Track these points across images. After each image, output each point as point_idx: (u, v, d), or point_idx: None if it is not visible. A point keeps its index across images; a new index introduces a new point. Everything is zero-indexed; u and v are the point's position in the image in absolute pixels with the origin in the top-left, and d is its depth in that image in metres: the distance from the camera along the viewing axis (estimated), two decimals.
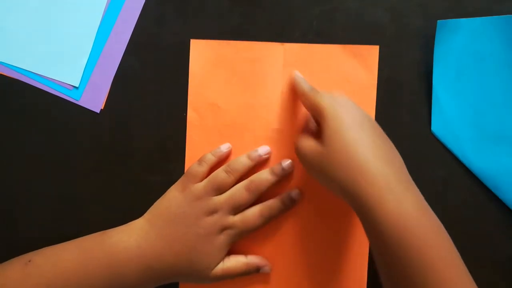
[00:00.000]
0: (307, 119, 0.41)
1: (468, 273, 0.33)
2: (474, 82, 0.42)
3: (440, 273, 0.30)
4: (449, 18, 0.42)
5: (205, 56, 0.43)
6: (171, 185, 0.43)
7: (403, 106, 0.43)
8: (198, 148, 0.43)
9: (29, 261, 0.38)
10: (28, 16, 0.44)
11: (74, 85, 0.44)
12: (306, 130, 0.41)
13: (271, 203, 0.41)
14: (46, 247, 0.40)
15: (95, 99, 0.44)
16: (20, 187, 0.44)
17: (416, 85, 0.43)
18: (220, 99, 0.43)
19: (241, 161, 0.41)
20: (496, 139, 0.42)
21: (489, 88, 0.42)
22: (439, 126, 0.43)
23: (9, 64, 0.44)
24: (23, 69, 0.44)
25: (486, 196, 0.43)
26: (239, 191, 0.40)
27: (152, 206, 0.41)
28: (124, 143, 0.44)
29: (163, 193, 0.42)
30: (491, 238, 0.43)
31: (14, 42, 0.44)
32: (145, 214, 0.41)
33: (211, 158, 0.41)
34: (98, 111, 0.44)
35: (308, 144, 0.36)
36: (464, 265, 0.33)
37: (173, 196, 0.40)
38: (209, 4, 0.44)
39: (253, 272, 0.41)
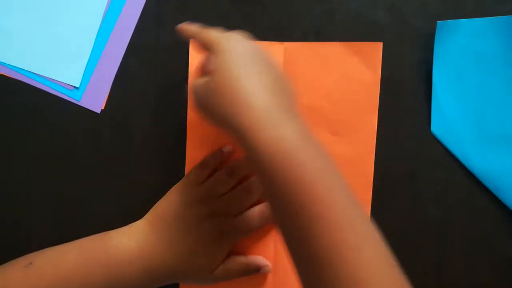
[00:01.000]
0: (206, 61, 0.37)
1: (353, 200, 0.29)
2: (474, 82, 0.42)
3: (322, 199, 0.27)
4: (449, 19, 0.42)
5: (204, 56, 0.43)
6: (172, 185, 0.43)
7: (403, 106, 0.43)
8: (198, 149, 0.43)
9: (30, 263, 0.38)
10: (28, 16, 0.44)
11: (75, 86, 0.44)
12: (202, 70, 0.38)
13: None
14: (46, 248, 0.40)
15: (95, 100, 0.44)
16: (20, 187, 0.44)
17: (416, 86, 0.43)
18: None
19: (242, 163, 0.41)
20: (496, 139, 0.42)
21: (489, 89, 0.42)
22: (439, 126, 0.43)
23: (9, 65, 0.44)
24: (23, 69, 0.44)
25: (486, 197, 0.43)
26: (240, 193, 0.40)
27: (153, 208, 0.41)
28: (125, 143, 0.44)
29: (164, 194, 0.42)
30: (491, 239, 0.43)
31: (15, 43, 0.44)
32: (146, 216, 0.41)
33: (212, 161, 0.41)
34: (98, 111, 0.44)
35: (199, 81, 0.34)
36: (351, 196, 0.29)
37: (173, 198, 0.40)
38: (209, 4, 0.44)
39: (253, 272, 0.41)
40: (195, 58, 0.43)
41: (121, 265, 0.38)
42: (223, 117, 0.31)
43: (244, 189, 0.40)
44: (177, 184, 0.41)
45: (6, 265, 0.39)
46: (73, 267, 0.38)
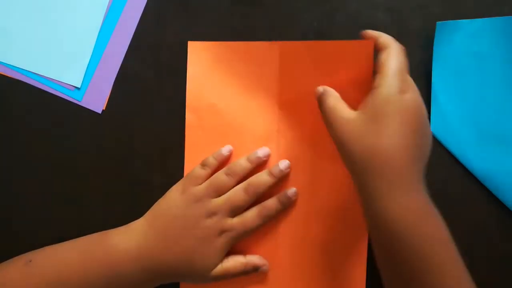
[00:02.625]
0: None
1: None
2: (473, 83, 0.42)
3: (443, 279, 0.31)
4: (448, 19, 0.42)
5: (202, 58, 0.43)
6: (172, 185, 0.43)
7: None
8: (197, 150, 0.43)
9: (30, 261, 0.38)
10: (29, 16, 0.44)
11: (76, 86, 0.44)
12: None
13: (269, 204, 0.41)
14: (46, 247, 0.40)
15: (97, 100, 0.44)
16: (21, 187, 0.44)
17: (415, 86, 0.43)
18: (219, 100, 0.43)
19: (241, 163, 0.41)
20: (495, 140, 0.42)
21: (488, 89, 0.42)
22: (438, 127, 0.43)
23: (10, 65, 0.44)
24: (24, 69, 0.44)
25: (485, 197, 0.43)
26: (237, 193, 0.40)
27: (152, 207, 0.41)
28: (126, 143, 0.44)
29: (164, 194, 0.42)
30: (491, 238, 0.43)
31: (16, 43, 0.44)
32: (145, 215, 0.41)
33: (212, 162, 0.41)
34: (100, 111, 0.44)
35: (347, 111, 0.35)
36: (462, 266, 0.33)
37: (173, 198, 0.41)
38: (209, 5, 0.44)
39: (252, 271, 0.41)
40: (193, 60, 0.43)
41: (120, 264, 0.38)
42: (358, 163, 0.33)
43: (243, 189, 0.40)
44: (177, 183, 0.42)
45: (6, 263, 0.39)
46: (73, 266, 0.38)
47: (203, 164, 0.41)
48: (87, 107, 0.44)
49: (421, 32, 0.43)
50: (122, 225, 0.42)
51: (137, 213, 0.43)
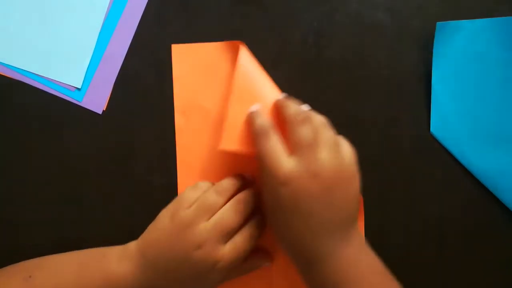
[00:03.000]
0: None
1: None
2: (473, 83, 0.42)
3: None
4: (448, 19, 0.42)
5: (187, 59, 0.43)
6: (173, 186, 0.43)
7: (403, 107, 0.43)
8: (188, 152, 0.43)
9: (30, 276, 0.38)
10: (30, 16, 0.44)
11: (76, 86, 0.44)
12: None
13: (258, 222, 0.39)
14: (46, 258, 0.40)
15: (97, 100, 0.44)
16: (20, 188, 0.44)
17: (415, 86, 0.43)
18: (206, 100, 0.43)
19: (230, 181, 0.39)
20: (495, 140, 0.42)
21: (488, 90, 0.42)
22: (438, 127, 0.43)
23: (11, 65, 0.44)
24: (25, 70, 0.44)
25: (485, 197, 0.43)
26: (227, 214, 0.37)
27: (145, 232, 0.40)
28: (127, 144, 0.44)
29: (164, 193, 0.42)
30: (491, 239, 0.43)
31: (16, 43, 0.44)
32: (138, 240, 0.40)
33: (204, 184, 0.40)
34: (100, 112, 0.44)
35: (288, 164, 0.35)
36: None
37: (162, 226, 0.39)
38: (210, 5, 0.44)
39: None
40: (177, 62, 0.44)
41: None
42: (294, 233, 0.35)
43: (233, 210, 0.38)
44: (167, 206, 0.40)
45: (6, 276, 0.39)
46: (72, 282, 0.38)
47: (194, 187, 0.40)
48: (87, 107, 0.44)
49: (421, 32, 0.43)
50: (122, 226, 0.42)
51: (136, 213, 0.43)
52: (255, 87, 0.39)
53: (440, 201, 0.43)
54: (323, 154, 0.34)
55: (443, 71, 0.42)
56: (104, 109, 0.44)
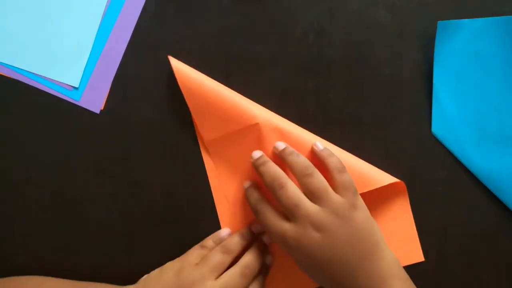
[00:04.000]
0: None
1: None
2: (474, 83, 0.42)
3: None
4: (449, 19, 0.42)
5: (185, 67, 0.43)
6: (171, 186, 0.43)
7: (404, 107, 0.43)
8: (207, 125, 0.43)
9: None
10: (28, 16, 0.44)
11: (74, 86, 0.44)
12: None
13: (260, 282, 0.41)
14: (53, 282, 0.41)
15: (95, 100, 0.44)
16: (19, 187, 0.44)
17: (416, 86, 0.43)
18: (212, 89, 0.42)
19: (236, 241, 0.41)
20: (496, 140, 0.42)
21: (490, 89, 0.42)
22: (439, 127, 0.43)
23: (9, 65, 0.44)
24: (23, 69, 0.44)
25: (486, 197, 0.43)
26: (234, 279, 0.38)
27: (146, 279, 0.40)
28: (124, 143, 0.44)
29: (164, 193, 0.42)
30: (491, 239, 0.43)
31: (14, 43, 0.44)
32: (138, 285, 0.40)
33: (211, 244, 0.41)
34: (98, 111, 0.44)
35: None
36: None
37: (168, 279, 0.39)
38: (209, 4, 0.44)
39: None
40: (179, 70, 0.42)
41: None
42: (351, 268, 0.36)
43: (240, 274, 0.39)
44: (174, 261, 0.41)
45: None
46: None
47: (202, 246, 0.41)
48: (85, 107, 0.44)
49: (422, 31, 0.43)
50: (122, 226, 0.42)
51: (136, 214, 0.43)
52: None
53: (441, 201, 0.43)
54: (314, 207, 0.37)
55: (444, 71, 0.42)
56: (102, 109, 0.44)
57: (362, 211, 0.37)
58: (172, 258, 0.41)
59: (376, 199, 0.42)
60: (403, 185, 0.42)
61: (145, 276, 0.41)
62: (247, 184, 0.41)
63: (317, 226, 0.36)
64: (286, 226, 0.37)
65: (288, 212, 0.37)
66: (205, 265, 0.39)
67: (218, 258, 0.39)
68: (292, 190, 0.37)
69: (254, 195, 0.40)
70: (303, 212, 0.36)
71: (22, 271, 0.43)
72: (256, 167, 0.39)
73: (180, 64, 0.42)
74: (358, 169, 0.40)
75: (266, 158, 0.39)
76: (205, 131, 0.42)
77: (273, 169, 0.38)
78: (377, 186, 0.40)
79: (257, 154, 0.40)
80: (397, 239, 0.43)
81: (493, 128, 0.42)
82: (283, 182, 0.37)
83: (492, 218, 0.43)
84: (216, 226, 0.44)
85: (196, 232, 0.43)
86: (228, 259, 0.39)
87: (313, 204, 0.36)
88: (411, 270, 0.43)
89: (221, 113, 0.41)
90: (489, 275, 0.43)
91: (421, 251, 0.43)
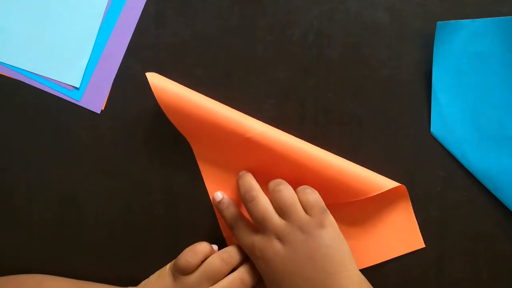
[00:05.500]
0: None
1: None
2: (473, 83, 0.42)
3: None
4: (449, 19, 0.42)
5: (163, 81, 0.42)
6: (172, 186, 0.43)
7: (403, 107, 0.43)
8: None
9: None
10: (28, 16, 0.44)
11: (75, 86, 0.44)
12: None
13: (254, 275, 0.40)
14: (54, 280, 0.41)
15: (95, 100, 0.44)
16: (20, 187, 0.44)
17: (415, 86, 0.43)
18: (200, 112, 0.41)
19: (235, 249, 0.40)
20: (495, 140, 0.42)
21: (489, 89, 0.42)
22: (438, 127, 0.43)
23: (9, 65, 0.44)
24: (23, 69, 0.44)
25: (485, 197, 0.43)
26: (232, 286, 0.38)
27: (146, 285, 0.40)
28: (125, 144, 0.44)
29: (164, 193, 0.42)
30: (491, 239, 0.43)
31: (15, 43, 0.44)
32: None
33: (204, 248, 0.39)
34: (99, 111, 0.44)
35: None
36: None
37: (166, 285, 0.39)
38: (209, 4, 0.44)
39: None
40: (158, 87, 0.41)
41: None
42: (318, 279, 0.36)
43: (240, 280, 0.39)
44: (171, 264, 0.40)
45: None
46: None
47: (195, 251, 0.40)
48: (86, 107, 0.44)
49: (421, 32, 0.43)
50: (121, 227, 0.42)
51: (136, 214, 0.43)
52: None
53: (440, 201, 0.43)
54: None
55: (443, 71, 0.42)
56: (103, 109, 0.44)
57: (329, 230, 0.37)
58: (172, 258, 0.41)
59: (377, 203, 0.42)
60: (404, 188, 0.42)
61: (144, 281, 0.41)
62: (218, 197, 0.41)
63: (281, 238, 0.36)
64: (254, 238, 0.38)
65: (258, 225, 0.38)
66: (203, 273, 0.38)
67: (216, 265, 0.39)
68: (262, 203, 0.38)
69: (230, 211, 0.41)
70: (269, 225, 0.37)
71: (22, 270, 0.43)
72: (237, 179, 0.41)
73: (158, 78, 0.41)
74: (357, 176, 0.40)
75: (245, 172, 0.41)
76: (193, 143, 0.43)
77: (248, 182, 0.39)
78: (379, 192, 0.40)
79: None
80: (397, 228, 0.43)
81: (492, 128, 0.42)
82: (253, 195, 0.38)
83: (491, 218, 0.43)
84: (216, 226, 0.44)
85: (196, 233, 0.44)
86: (226, 268, 0.39)
87: (280, 219, 0.37)
88: (411, 270, 0.43)
89: (205, 126, 0.41)
90: (489, 275, 0.43)
91: (421, 237, 0.43)
